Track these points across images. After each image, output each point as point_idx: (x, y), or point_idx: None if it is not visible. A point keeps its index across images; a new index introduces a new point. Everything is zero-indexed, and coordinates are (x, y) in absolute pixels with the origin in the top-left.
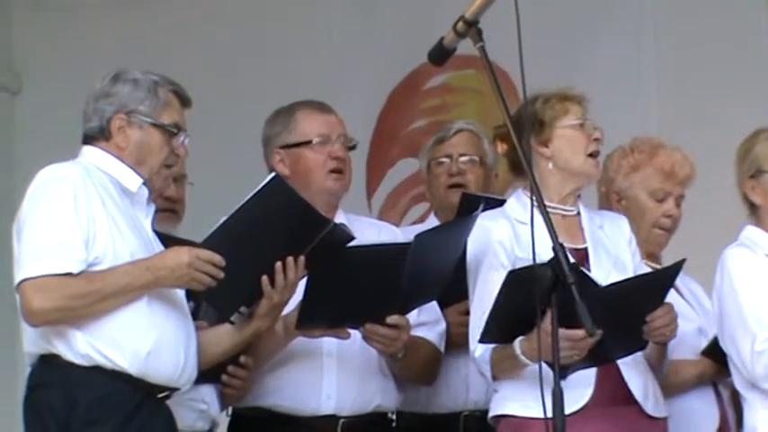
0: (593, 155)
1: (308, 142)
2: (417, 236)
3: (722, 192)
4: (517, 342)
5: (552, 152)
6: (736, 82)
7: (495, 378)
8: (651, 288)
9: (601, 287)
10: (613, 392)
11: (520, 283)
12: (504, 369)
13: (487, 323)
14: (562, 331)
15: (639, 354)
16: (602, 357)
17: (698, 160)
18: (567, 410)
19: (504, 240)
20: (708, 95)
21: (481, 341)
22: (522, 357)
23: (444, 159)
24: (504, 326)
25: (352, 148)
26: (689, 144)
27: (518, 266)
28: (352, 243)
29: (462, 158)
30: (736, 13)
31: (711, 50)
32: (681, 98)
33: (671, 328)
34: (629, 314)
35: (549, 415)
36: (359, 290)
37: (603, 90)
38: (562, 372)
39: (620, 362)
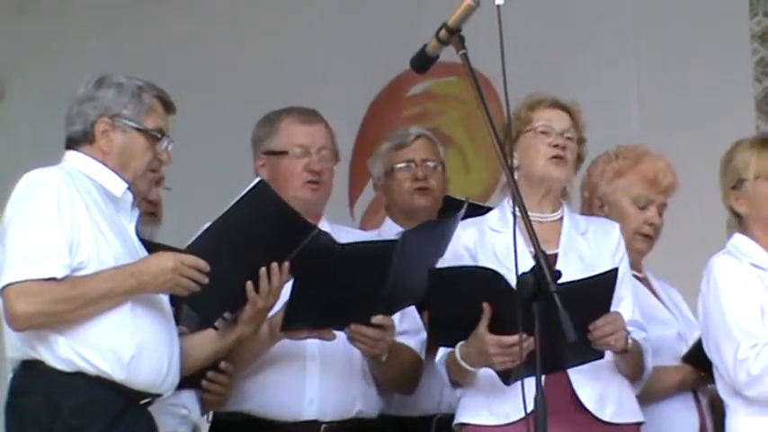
0: (555, 157)
1: (286, 153)
2: (404, 233)
3: (702, 197)
4: (457, 347)
5: (518, 162)
6: (717, 88)
7: (454, 384)
8: (590, 295)
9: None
10: (562, 399)
11: (443, 280)
12: (455, 374)
13: (430, 323)
14: (490, 337)
15: (602, 360)
16: (552, 365)
17: (679, 166)
18: (513, 417)
19: (470, 246)
20: (689, 101)
21: (432, 342)
22: (463, 363)
23: (407, 164)
24: (444, 326)
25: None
26: (670, 149)
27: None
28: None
29: (425, 164)
30: (718, 19)
31: (693, 55)
32: (662, 103)
33: (615, 337)
34: (575, 322)
35: (502, 422)
36: (345, 289)
37: (585, 95)
38: (506, 378)
39: (571, 369)
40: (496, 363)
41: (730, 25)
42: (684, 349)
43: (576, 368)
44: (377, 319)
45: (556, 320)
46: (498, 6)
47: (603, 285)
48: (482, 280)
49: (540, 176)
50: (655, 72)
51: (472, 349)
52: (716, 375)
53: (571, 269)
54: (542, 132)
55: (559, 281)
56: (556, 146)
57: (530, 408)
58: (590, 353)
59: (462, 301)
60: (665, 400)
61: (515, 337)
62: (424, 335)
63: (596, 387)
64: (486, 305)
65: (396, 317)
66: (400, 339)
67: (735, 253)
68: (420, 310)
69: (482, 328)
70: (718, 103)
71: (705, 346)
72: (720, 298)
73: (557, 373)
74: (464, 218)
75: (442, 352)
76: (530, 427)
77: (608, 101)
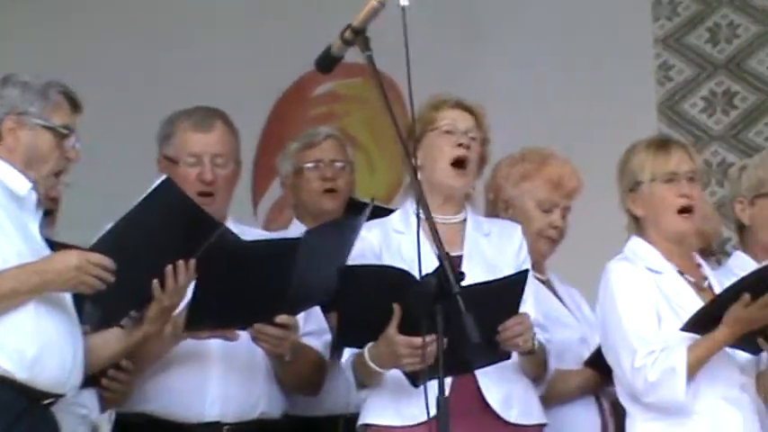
0: (456, 163)
1: (178, 162)
2: (307, 231)
3: (605, 200)
4: (366, 348)
5: (421, 162)
6: (620, 91)
7: (361, 385)
8: (499, 296)
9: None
10: (469, 400)
11: (354, 279)
12: (363, 376)
13: (338, 324)
14: (401, 338)
15: (508, 362)
16: (460, 367)
17: (581, 169)
18: (421, 418)
19: (375, 246)
20: (592, 103)
21: (338, 344)
22: (371, 364)
23: (315, 164)
24: (352, 327)
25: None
26: (573, 152)
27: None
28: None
29: (334, 164)
30: (621, 22)
31: (596, 59)
32: (565, 106)
33: (524, 338)
34: (483, 323)
35: (408, 423)
36: (249, 288)
37: (490, 97)
38: (414, 379)
39: (478, 370)
40: (406, 364)
41: (633, 29)
42: (587, 353)
43: (482, 370)
44: (281, 318)
45: (461, 322)
46: (403, 8)
47: (514, 287)
48: (392, 279)
49: (439, 182)
50: (558, 74)
51: (382, 350)
52: (615, 381)
53: (476, 271)
54: (446, 132)
55: (470, 282)
56: (460, 145)
57: (434, 411)
58: (497, 354)
59: (372, 302)
60: (567, 403)
61: (428, 337)
62: (328, 336)
63: (502, 388)
64: (396, 306)
65: (300, 318)
66: (305, 340)
67: (631, 257)
68: (325, 312)
69: (392, 328)
70: (620, 106)
71: (604, 352)
72: (617, 305)
73: (465, 374)
74: (368, 219)
75: (348, 353)
76: (432, 429)
77: (512, 103)
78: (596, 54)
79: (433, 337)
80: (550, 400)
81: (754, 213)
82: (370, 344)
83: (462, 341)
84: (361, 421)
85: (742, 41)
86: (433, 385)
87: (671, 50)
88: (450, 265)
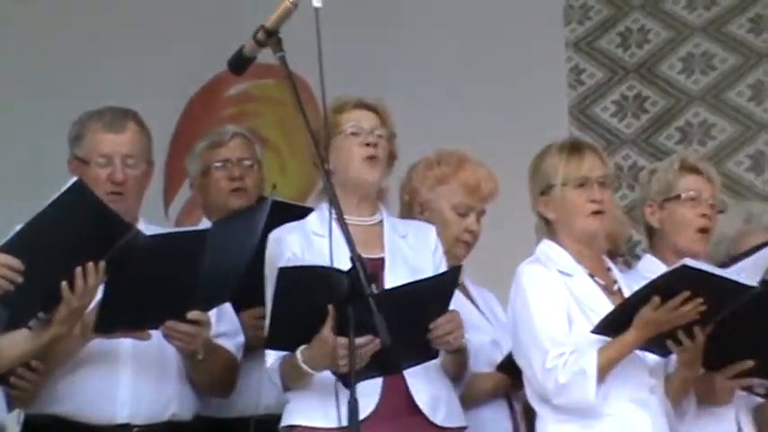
0: (369, 158)
1: (89, 162)
2: (215, 222)
3: (516, 203)
4: (299, 351)
5: (332, 166)
6: (531, 94)
7: (287, 388)
8: (430, 294)
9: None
10: (399, 403)
11: (291, 281)
12: (292, 379)
13: (269, 327)
14: (339, 338)
15: (432, 363)
16: (389, 367)
17: (494, 171)
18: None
19: (296, 250)
20: (504, 106)
21: (267, 347)
22: (304, 366)
23: (223, 163)
24: (285, 329)
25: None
26: (485, 154)
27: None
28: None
29: (242, 163)
30: (533, 26)
31: (508, 62)
32: (478, 109)
33: (455, 335)
34: (413, 322)
35: (335, 425)
36: (159, 286)
37: (403, 99)
38: (347, 381)
39: (407, 371)
40: (343, 366)
41: (545, 33)
42: (499, 356)
43: (411, 372)
44: (192, 314)
45: (390, 322)
46: (316, 9)
47: (445, 285)
48: (326, 280)
49: (354, 181)
50: (469, 76)
51: (316, 351)
52: (525, 383)
53: (399, 273)
54: (353, 134)
55: (396, 284)
56: (368, 144)
57: (367, 412)
58: (425, 354)
59: (306, 303)
60: (479, 405)
61: (363, 338)
62: (241, 338)
63: (430, 390)
64: (330, 307)
65: (213, 319)
66: (218, 341)
67: (543, 259)
68: (238, 311)
69: (327, 329)
70: (532, 109)
71: (514, 354)
72: (528, 306)
73: (396, 374)
74: (275, 213)
75: (274, 356)
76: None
77: (423, 104)
78: (508, 57)
79: (368, 337)
80: (464, 402)
81: (664, 217)
82: (302, 346)
83: (393, 341)
84: (285, 422)
85: (653, 46)
86: (362, 386)
87: (582, 54)
88: (362, 267)
